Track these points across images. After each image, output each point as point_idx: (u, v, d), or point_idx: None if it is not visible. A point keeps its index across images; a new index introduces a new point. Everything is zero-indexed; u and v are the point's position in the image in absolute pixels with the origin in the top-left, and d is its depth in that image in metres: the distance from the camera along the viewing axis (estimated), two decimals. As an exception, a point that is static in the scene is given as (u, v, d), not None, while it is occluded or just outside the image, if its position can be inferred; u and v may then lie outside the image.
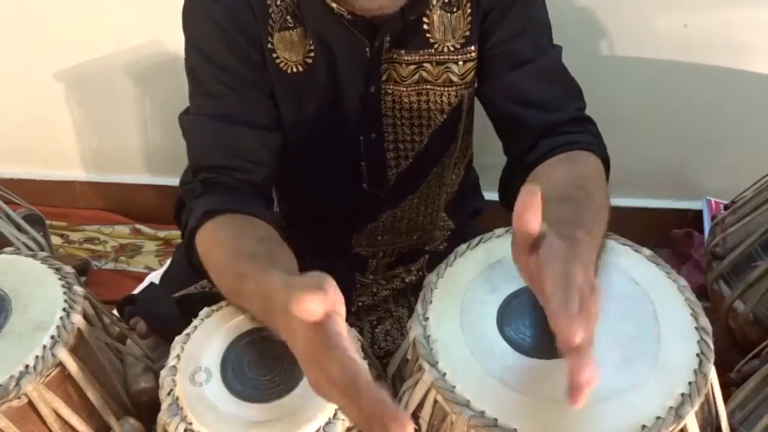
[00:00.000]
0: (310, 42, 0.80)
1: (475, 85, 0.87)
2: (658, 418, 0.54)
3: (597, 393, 0.56)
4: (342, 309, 0.53)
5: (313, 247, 0.86)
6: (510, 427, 0.55)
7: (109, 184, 1.69)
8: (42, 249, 1.14)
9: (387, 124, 0.87)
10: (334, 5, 0.75)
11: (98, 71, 1.51)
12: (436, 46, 0.82)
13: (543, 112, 0.81)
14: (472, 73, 0.84)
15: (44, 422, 0.68)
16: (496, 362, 0.59)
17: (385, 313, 1.03)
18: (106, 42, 1.45)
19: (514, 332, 0.61)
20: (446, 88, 0.85)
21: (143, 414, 0.76)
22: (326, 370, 0.49)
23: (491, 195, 0.90)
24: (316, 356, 0.50)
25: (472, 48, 0.82)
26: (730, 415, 0.90)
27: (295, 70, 0.81)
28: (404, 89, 0.84)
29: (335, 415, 0.59)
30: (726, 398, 0.79)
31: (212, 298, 0.69)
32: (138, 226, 1.66)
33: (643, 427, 0.54)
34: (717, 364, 0.59)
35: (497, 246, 0.69)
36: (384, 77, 0.83)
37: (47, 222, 1.33)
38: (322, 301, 0.50)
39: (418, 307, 0.64)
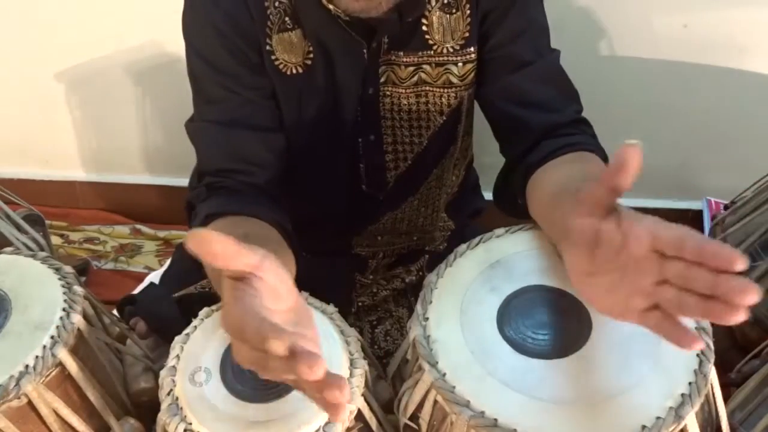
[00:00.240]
0: (309, 44, 0.80)
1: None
2: (658, 418, 0.54)
3: (597, 393, 0.56)
4: (280, 283, 0.50)
5: (313, 247, 0.86)
6: (510, 427, 0.55)
7: (109, 184, 1.70)
8: (42, 249, 1.14)
9: (386, 126, 0.87)
10: (330, 7, 0.75)
11: (98, 71, 1.51)
12: (435, 47, 0.82)
13: (543, 113, 0.81)
14: (472, 74, 0.84)
15: (44, 422, 0.68)
16: (496, 362, 0.59)
17: (385, 313, 1.03)
18: (106, 42, 1.45)
19: (514, 332, 0.61)
20: (446, 90, 0.85)
21: (143, 414, 0.77)
22: (239, 332, 0.47)
23: (491, 195, 0.90)
24: (230, 317, 0.48)
25: (472, 49, 0.82)
26: (730, 415, 0.90)
27: (294, 71, 0.81)
28: (403, 91, 0.84)
29: (335, 415, 0.59)
30: (726, 398, 0.79)
31: (212, 298, 0.69)
32: (138, 226, 1.66)
33: (643, 427, 0.54)
34: (717, 364, 0.59)
35: (497, 246, 0.69)
36: (382, 79, 0.83)
37: (47, 222, 1.33)
38: (217, 238, 0.47)
39: (418, 307, 0.64)
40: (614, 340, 0.60)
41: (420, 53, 0.82)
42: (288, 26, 0.79)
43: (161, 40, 1.44)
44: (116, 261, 1.58)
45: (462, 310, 0.63)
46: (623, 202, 0.51)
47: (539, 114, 0.80)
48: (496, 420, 0.55)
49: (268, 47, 0.79)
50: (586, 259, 0.53)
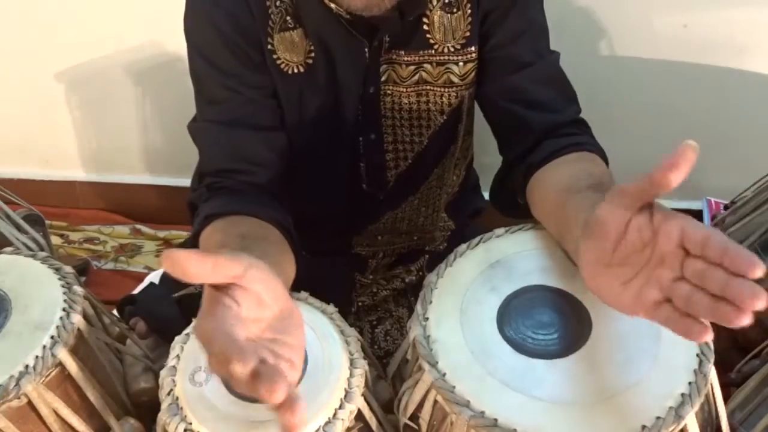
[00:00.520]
0: (310, 42, 0.80)
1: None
2: (658, 418, 0.54)
3: (597, 393, 0.56)
4: (263, 289, 0.50)
5: (313, 246, 0.86)
6: (510, 427, 0.55)
7: (109, 184, 1.69)
8: (42, 249, 1.14)
9: (386, 125, 0.87)
10: (332, 5, 0.75)
11: (98, 71, 1.51)
12: (436, 46, 0.82)
13: (544, 113, 0.81)
14: (473, 73, 0.84)
15: (44, 422, 0.68)
16: (496, 362, 0.59)
17: (385, 313, 1.03)
18: (106, 42, 1.45)
19: (514, 332, 0.61)
20: (446, 89, 0.85)
21: (143, 414, 0.77)
22: (208, 345, 0.47)
23: (491, 195, 0.90)
24: (201, 330, 0.49)
25: (473, 49, 0.82)
26: (730, 415, 0.90)
27: (296, 70, 0.81)
28: (404, 90, 0.84)
29: (335, 415, 0.59)
30: (726, 398, 0.79)
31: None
32: (138, 226, 1.66)
33: (643, 427, 0.54)
34: (717, 364, 0.59)
35: (497, 246, 0.69)
36: (383, 78, 0.83)
37: (47, 222, 1.33)
38: (192, 260, 0.47)
39: (418, 307, 0.64)
40: (614, 339, 0.60)
41: (421, 52, 0.82)
42: (289, 25, 0.79)
43: (161, 40, 1.44)
44: (116, 261, 1.58)
45: (462, 310, 0.63)
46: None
47: (540, 114, 0.81)
48: (495, 420, 0.55)
49: (269, 46, 0.79)
50: (607, 250, 0.52)
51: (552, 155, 0.76)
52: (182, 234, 1.60)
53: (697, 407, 0.55)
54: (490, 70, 0.84)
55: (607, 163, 0.78)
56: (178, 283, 0.94)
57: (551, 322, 0.61)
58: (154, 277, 1.22)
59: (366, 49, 0.80)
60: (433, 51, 0.82)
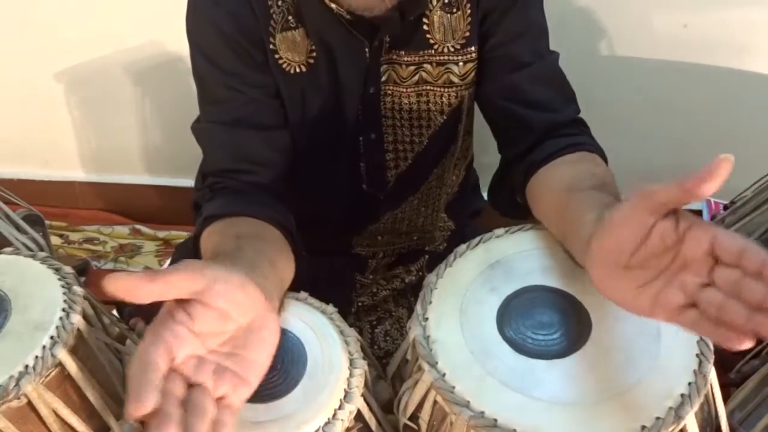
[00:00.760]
0: (312, 42, 0.80)
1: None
2: (657, 418, 0.54)
3: (597, 393, 0.56)
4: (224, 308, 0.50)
5: (313, 246, 0.86)
6: (509, 427, 0.55)
7: (109, 185, 1.70)
8: (41, 249, 1.14)
9: (386, 125, 0.87)
10: (333, 6, 0.75)
11: (98, 71, 1.51)
12: (436, 46, 0.82)
13: (545, 112, 0.81)
14: (473, 73, 0.84)
15: (44, 423, 0.68)
16: (495, 362, 0.59)
17: (384, 313, 1.03)
18: (106, 42, 1.46)
19: (513, 332, 0.61)
20: (446, 89, 0.85)
21: (143, 414, 0.76)
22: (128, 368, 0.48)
23: (490, 195, 0.90)
24: (141, 344, 0.49)
25: (472, 48, 0.82)
26: (730, 415, 0.90)
27: (298, 70, 0.81)
28: (404, 90, 0.84)
29: (334, 415, 0.59)
30: (725, 398, 0.79)
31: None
32: (137, 226, 1.66)
33: (643, 427, 0.54)
34: (716, 364, 0.59)
35: (497, 246, 0.69)
36: (384, 78, 0.83)
37: (47, 222, 1.33)
38: (135, 284, 0.46)
39: (418, 308, 0.64)
40: (614, 340, 0.60)
41: (421, 52, 0.82)
42: (291, 25, 0.79)
43: (161, 40, 1.44)
44: (116, 261, 1.58)
45: (462, 310, 0.63)
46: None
47: (540, 113, 0.81)
48: (495, 420, 0.55)
49: (271, 46, 0.79)
50: (626, 252, 0.52)
51: (553, 155, 0.76)
52: (182, 234, 1.60)
53: (696, 407, 0.55)
54: (489, 69, 0.84)
55: (606, 163, 0.79)
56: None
57: (551, 323, 0.61)
58: (153, 277, 1.22)
59: (366, 49, 0.80)
60: (433, 51, 0.82)
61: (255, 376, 0.52)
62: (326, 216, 0.94)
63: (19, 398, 0.65)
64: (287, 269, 0.70)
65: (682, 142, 1.40)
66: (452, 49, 0.82)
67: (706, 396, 0.59)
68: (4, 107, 1.59)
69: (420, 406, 0.61)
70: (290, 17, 0.79)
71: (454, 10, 0.80)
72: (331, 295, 0.70)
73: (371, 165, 0.90)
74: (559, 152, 0.76)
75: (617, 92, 1.35)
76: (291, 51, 0.80)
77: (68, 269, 0.75)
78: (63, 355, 0.67)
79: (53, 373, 0.67)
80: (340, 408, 0.60)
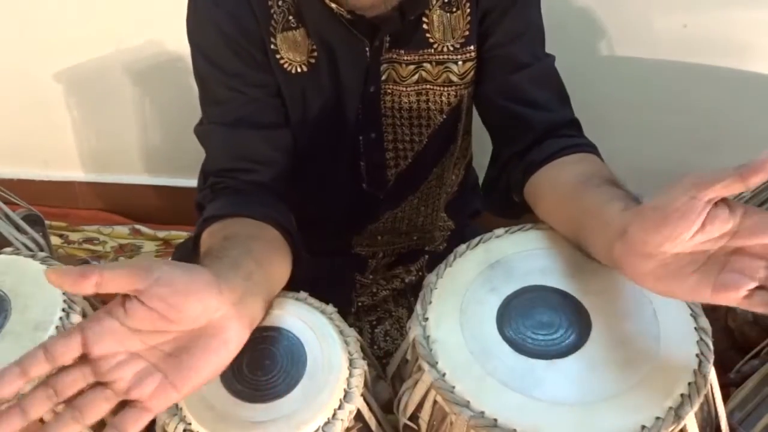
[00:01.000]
0: (313, 42, 0.80)
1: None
2: (657, 418, 0.54)
3: (597, 393, 0.56)
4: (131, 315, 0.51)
5: (313, 247, 0.86)
6: (510, 427, 0.55)
7: (109, 185, 1.70)
8: (41, 249, 1.14)
9: (386, 123, 0.87)
10: (333, 5, 0.75)
11: (98, 71, 1.51)
12: (435, 45, 0.82)
13: (544, 112, 0.81)
14: (472, 72, 0.84)
15: (43, 423, 0.67)
16: (495, 362, 0.59)
17: (384, 313, 1.03)
18: (106, 42, 1.45)
19: (513, 332, 0.61)
20: (446, 88, 0.85)
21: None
22: None
23: (489, 195, 0.90)
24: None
25: (472, 48, 0.82)
26: (730, 415, 0.90)
27: (299, 70, 0.81)
28: (404, 89, 0.84)
29: (334, 415, 0.59)
30: (725, 398, 0.79)
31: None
32: (137, 226, 1.66)
33: (643, 427, 0.54)
34: (716, 364, 0.59)
35: (497, 246, 0.69)
36: (384, 77, 0.83)
37: (46, 222, 1.33)
38: (56, 276, 0.48)
39: (418, 308, 0.64)
40: (614, 340, 0.60)
41: (421, 51, 0.82)
42: (292, 25, 0.79)
43: (161, 40, 1.44)
44: (116, 261, 1.58)
45: (462, 310, 0.63)
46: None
47: (541, 113, 0.81)
48: (495, 420, 0.55)
49: (272, 46, 0.79)
50: (683, 242, 0.52)
51: (554, 155, 0.76)
52: (182, 234, 1.60)
53: (696, 407, 0.55)
54: (488, 69, 0.84)
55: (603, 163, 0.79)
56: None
57: (551, 323, 0.61)
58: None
59: (367, 49, 0.80)
60: (432, 50, 0.82)
61: (188, 384, 0.52)
62: (326, 215, 0.94)
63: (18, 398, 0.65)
64: (281, 269, 0.69)
65: (682, 142, 1.40)
66: (451, 48, 0.82)
67: (706, 396, 0.59)
68: (4, 107, 1.59)
69: (420, 406, 0.61)
70: (291, 17, 0.79)
71: (454, 9, 0.80)
72: (330, 295, 0.70)
73: (371, 164, 0.90)
74: (561, 152, 0.76)
75: (617, 92, 1.35)
76: (292, 51, 0.80)
77: (68, 269, 0.75)
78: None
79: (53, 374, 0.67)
80: (339, 408, 0.60)
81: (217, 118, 0.82)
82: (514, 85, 0.82)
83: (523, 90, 0.82)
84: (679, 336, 0.59)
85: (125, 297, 0.50)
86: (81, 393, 0.50)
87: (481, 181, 1.08)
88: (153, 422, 0.64)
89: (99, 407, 0.49)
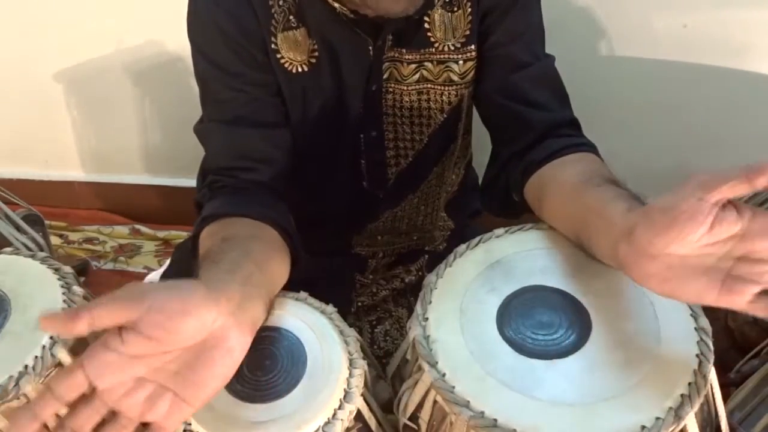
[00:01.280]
0: (314, 41, 0.80)
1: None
2: (657, 418, 0.54)
3: (597, 393, 0.56)
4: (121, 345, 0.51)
5: (313, 246, 0.86)
6: (509, 427, 0.54)
7: (109, 185, 1.70)
8: (41, 249, 1.14)
9: (387, 122, 0.87)
10: (336, 5, 0.75)
11: (98, 71, 1.51)
12: (436, 45, 0.82)
13: (544, 111, 0.81)
14: (472, 72, 0.84)
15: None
16: (495, 362, 0.59)
17: (384, 313, 1.03)
18: (106, 42, 1.45)
19: (513, 332, 0.61)
20: (446, 87, 0.85)
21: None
22: None
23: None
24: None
25: (472, 47, 0.82)
26: (730, 415, 0.91)
27: (300, 69, 0.81)
28: (405, 88, 0.84)
29: (334, 415, 0.59)
30: (725, 398, 0.79)
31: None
32: (137, 226, 1.66)
33: (643, 427, 0.54)
34: (716, 364, 0.59)
35: (497, 246, 0.69)
36: (386, 76, 0.83)
37: (46, 222, 1.33)
38: (48, 322, 0.50)
39: (418, 308, 0.64)
40: (614, 340, 0.60)
41: (422, 51, 0.82)
42: (292, 24, 0.79)
43: (161, 40, 1.44)
44: (116, 261, 1.58)
45: (462, 310, 0.63)
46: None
47: (541, 113, 0.81)
48: (495, 420, 0.55)
49: (273, 45, 0.79)
50: (691, 242, 0.52)
51: (554, 154, 0.76)
52: (181, 234, 1.60)
53: (696, 408, 0.55)
54: (488, 68, 0.84)
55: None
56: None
57: (551, 323, 0.61)
58: (153, 277, 1.22)
59: (370, 48, 0.80)
60: (433, 49, 0.82)
61: (199, 397, 0.52)
62: (326, 215, 0.94)
63: (18, 398, 0.65)
64: (281, 270, 0.69)
65: (682, 142, 1.40)
66: (452, 48, 0.82)
67: (706, 396, 0.59)
68: (4, 107, 1.59)
69: (420, 406, 0.61)
70: (291, 17, 0.79)
71: (455, 8, 0.80)
72: (330, 295, 0.70)
73: (372, 162, 0.90)
74: (561, 151, 0.76)
75: (617, 92, 1.35)
76: (293, 50, 0.80)
77: (68, 269, 0.75)
78: (63, 355, 0.67)
79: (53, 373, 0.67)
80: (339, 408, 0.60)
81: (217, 116, 0.82)
82: (514, 84, 0.82)
83: (523, 89, 0.82)
84: (679, 336, 0.59)
85: (120, 327, 0.51)
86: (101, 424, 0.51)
87: (480, 180, 1.09)
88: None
89: None
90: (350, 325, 0.66)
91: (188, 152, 0.86)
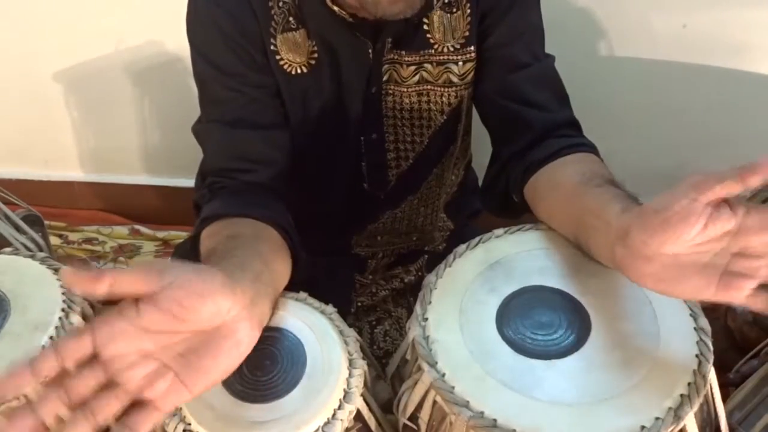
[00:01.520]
0: (313, 43, 0.80)
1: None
2: (657, 418, 0.54)
3: (596, 393, 0.56)
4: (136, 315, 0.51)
5: (313, 247, 0.86)
6: (509, 427, 0.55)
7: (108, 185, 1.70)
8: (41, 249, 1.14)
9: (388, 124, 0.87)
10: (335, 8, 0.75)
11: (98, 71, 1.51)
12: (436, 46, 0.82)
13: (544, 112, 0.81)
14: (472, 73, 0.84)
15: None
16: (495, 362, 0.59)
17: (384, 313, 1.03)
18: (105, 42, 1.45)
19: (513, 332, 0.61)
20: (446, 89, 0.85)
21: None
22: None
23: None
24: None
25: (472, 48, 0.82)
26: (729, 415, 0.91)
27: (299, 71, 0.81)
28: (405, 90, 0.84)
29: (334, 415, 0.59)
30: (725, 398, 0.79)
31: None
32: (137, 226, 1.66)
33: (642, 427, 0.54)
34: (716, 364, 0.59)
35: (496, 246, 0.69)
36: (385, 78, 0.83)
37: (46, 222, 1.33)
38: (70, 276, 0.49)
39: (417, 308, 0.64)
40: (613, 340, 0.60)
41: (421, 52, 0.82)
42: (292, 26, 0.79)
43: (161, 40, 1.44)
44: (115, 261, 1.58)
45: (461, 310, 0.63)
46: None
47: (540, 113, 0.81)
48: (495, 420, 0.55)
49: (272, 47, 0.79)
50: (686, 241, 0.52)
51: (554, 154, 0.76)
52: (181, 234, 1.60)
53: (696, 408, 0.55)
54: (488, 69, 0.84)
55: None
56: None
57: (551, 323, 0.61)
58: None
59: (370, 50, 0.80)
60: (433, 51, 0.82)
61: (199, 384, 0.52)
62: (326, 216, 0.94)
63: (18, 399, 0.65)
64: (283, 270, 0.69)
65: (682, 142, 1.40)
66: (452, 49, 0.82)
67: (706, 396, 0.59)
68: (4, 107, 1.59)
69: (419, 406, 0.61)
70: (291, 18, 0.79)
71: (454, 9, 0.80)
72: (330, 296, 0.70)
73: (372, 165, 0.90)
74: (561, 152, 0.76)
75: (616, 92, 1.35)
76: (292, 52, 0.80)
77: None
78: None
79: (52, 374, 0.67)
80: (339, 408, 0.60)
81: (216, 117, 0.82)
82: (513, 85, 0.82)
83: (522, 90, 0.82)
84: (678, 336, 0.59)
85: (138, 298, 0.50)
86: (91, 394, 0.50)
87: (480, 181, 1.09)
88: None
89: (111, 407, 0.49)
90: (350, 326, 0.66)
91: (188, 152, 0.86)
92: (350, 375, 0.62)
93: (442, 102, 0.86)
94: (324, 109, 0.84)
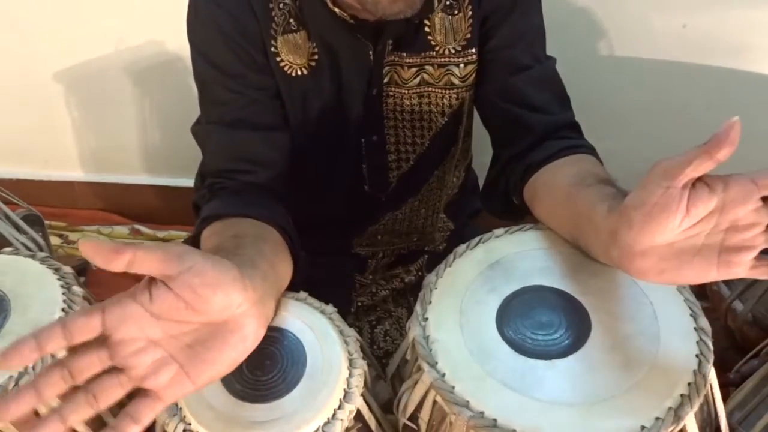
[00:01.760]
0: (314, 45, 0.80)
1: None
2: (657, 418, 0.54)
3: (596, 393, 0.56)
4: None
5: (313, 247, 0.86)
6: (509, 427, 0.55)
7: (108, 185, 1.69)
8: (41, 249, 1.14)
9: (388, 126, 0.87)
10: (336, 10, 0.75)
11: (98, 71, 1.51)
12: (437, 48, 0.82)
13: (544, 114, 0.81)
14: (473, 75, 0.84)
15: (38, 416, 0.67)
16: (495, 362, 0.59)
17: (384, 313, 1.03)
18: (105, 42, 1.45)
19: (513, 332, 0.61)
20: (447, 91, 0.85)
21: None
22: None
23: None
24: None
25: (473, 50, 0.82)
26: (729, 415, 0.91)
27: (299, 73, 0.81)
28: (406, 92, 0.84)
29: (334, 415, 0.59)
30: (725, 398, 0.79)
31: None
32: (137, 226, 1.66)
33: (642, 427, 0.54)
34: (716, 364, 0.59)
35: (496, 246, 0.69)
36: (386, 80, 0.83)
37: (46, 222, 1.33)
38: (90, 248, 0.47)
39: (418, 308, 0.64)
40: (613, 340, 0.60)
41: (423, 54, 0.82)
42: (293, 28, 0.79)
43: (161, 40, 1.44)
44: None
45: (461, 310, 0.63)
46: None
47: (540, 115, 0.81)
48: (495, 420, 0.55)
49: (273, 48, 0.79)
50: (673, 229, 0.52)
51: (553, 155, 0.76)
52: (181, 234, 1.60)
53: (696, 408, 0.55)
54: (489, 71, 0.84)
55: (602, 165, 0.79)
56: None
57: (551, 323, 0.61)
58: (153, 277, 1.21)
59: (370, 52, 0.80)
60: (434, 53, 0.82)
61: (203, 376, 0.52)
62: (327, 217, 0.94)
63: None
64: (285, 271, 0.70)
65: (682, 142, 1.38)
66: (453, 51, 0.82)
67: (706, 396, 0.59)
68: (4, 107, 1.59)
69: (419, 406, 0.61)
70: (291, 20, 0.79)
71: (456, 11, 0.80)
72: (330, 295, 0.70)
73: (373, 167, 0.90)
74: (559, 153, 0.76)
75: (617, 92, 1.35)
76: (292, 53, 0.80)
77: (67, 269, 0.75)
78: (62, 355, 0.67)
79: (53, 373, 0.67)
80: (339, 408, 0.60)
81: (216, 118, 0.82)
82: (514, 87, 0.82)
83: (523, 92, 0.82)
84: (678, 336, 0.59)
85: (151, 282, 0.50)
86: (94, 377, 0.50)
87: (480, 182, 1.09)
88: (153, 422, 0.64)
89: (113, 392, 0.49)
90: (350, 325, 0.67)
91: (188, 152, 0.86)
92: (350, 375, 0.62)
93: (443, 104, 0.86)
94: (324, 110, 0.84)
